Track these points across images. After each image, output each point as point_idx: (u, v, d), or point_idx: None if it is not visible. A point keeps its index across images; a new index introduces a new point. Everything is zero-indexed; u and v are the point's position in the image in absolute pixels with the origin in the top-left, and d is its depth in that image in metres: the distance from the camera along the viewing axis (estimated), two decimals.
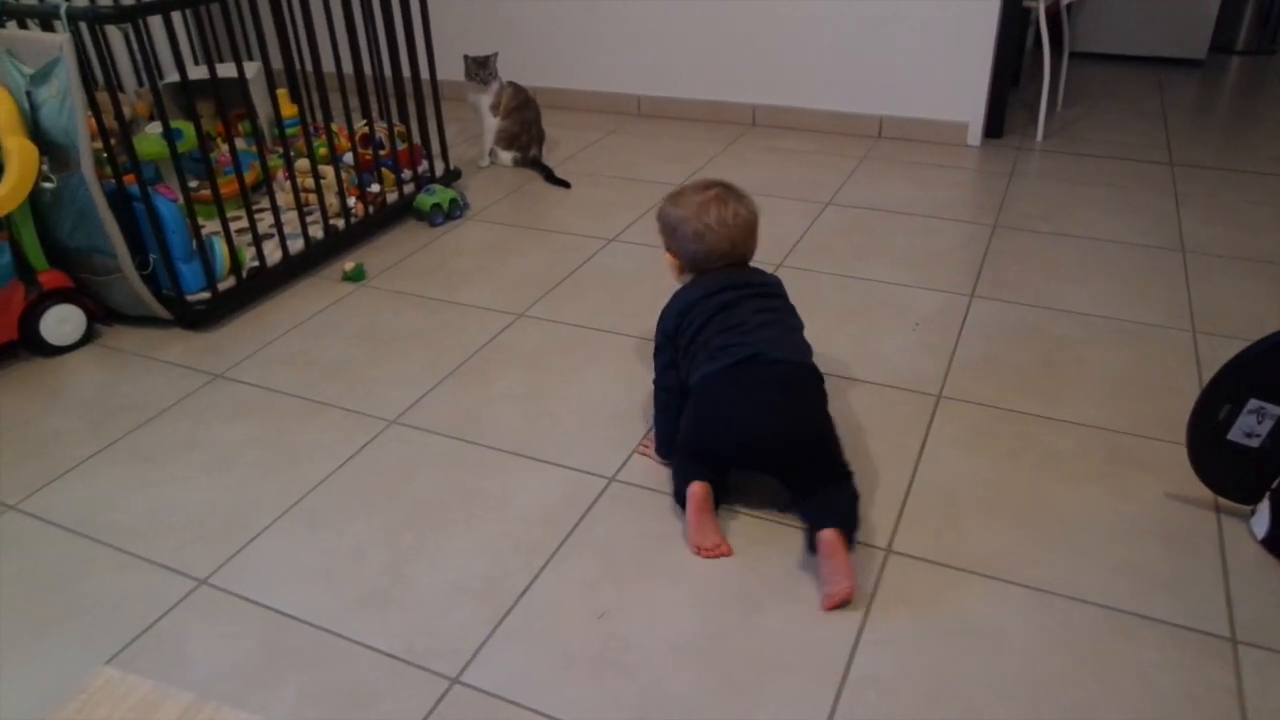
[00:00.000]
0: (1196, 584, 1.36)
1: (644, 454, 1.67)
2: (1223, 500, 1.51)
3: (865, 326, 2.06)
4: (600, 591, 1.38)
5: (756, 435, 1.45)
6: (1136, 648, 1.26)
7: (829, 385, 1.64)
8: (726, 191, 1.61)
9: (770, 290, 1.60)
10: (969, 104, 3.15)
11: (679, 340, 1.56)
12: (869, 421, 1.74)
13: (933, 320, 2.08)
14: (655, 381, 1.62)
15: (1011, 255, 2.38)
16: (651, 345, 1.63)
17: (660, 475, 1.61)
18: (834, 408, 1.76)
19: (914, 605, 1.34)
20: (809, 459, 1.46)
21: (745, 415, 1.45)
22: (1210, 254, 2.36)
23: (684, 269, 1.64)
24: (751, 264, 1.66)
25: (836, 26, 3.20)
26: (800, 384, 1.50)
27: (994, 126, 3.22)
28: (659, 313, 1.61)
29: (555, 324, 2.11)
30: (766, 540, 1.46)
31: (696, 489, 1.43)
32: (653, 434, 1.67)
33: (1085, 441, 1.67)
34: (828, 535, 1.36)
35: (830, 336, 2.02)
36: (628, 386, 1.87)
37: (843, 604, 1.34)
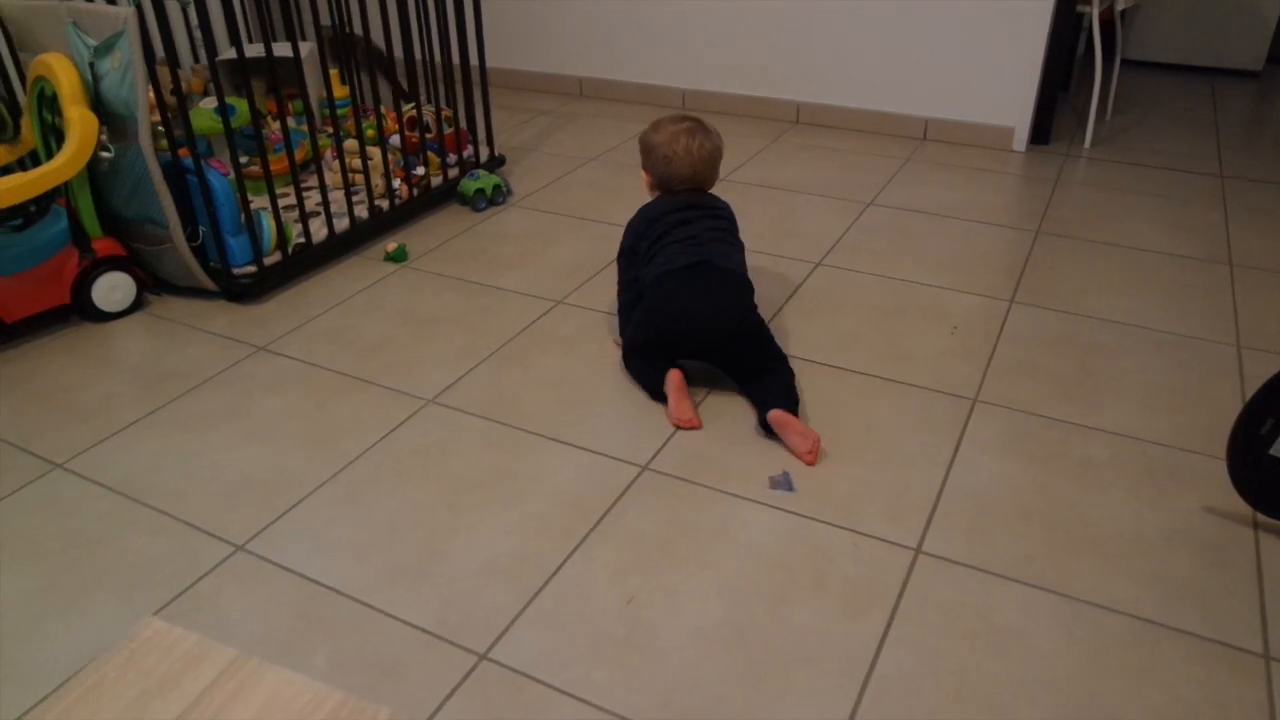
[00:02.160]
0: (1230, 599, 1.35)
1: (617, 345, 1.97)
2: (1261, 516, 1.50)
3: (903, 327, 2.05)
4: (629, 577, 1.39)
5: (698, 325, 1.75)
6: (1165, 659, 1.25)
7: (864, 384, 1.72)
8: (697, 125, 1.92)
9: (721, 214, 1.91)
10: (1016, 109, 3.12)
11: (639, 247, 1.88)
12: (903, 422, 1.74)
13: (971, 324, 2.07)
14: (619, 285, 1.98)
15: (1053, 262, 2.36)
16: None
17: (695, 466, 1.62)
18: (869, 407, 1.78)
19: (941, 605, 1.34)
20: (747, 348, 1.78)
21: (690, 308, 1.75)
22: (1258, 268, 2.32)
23: (654, 186, 1.97)
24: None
25: (884, 26, 3.18)
26: (736, 288, 1.80)
27: (1041, 132, 3.19)
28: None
29: (594, 312, 2.13)
30: (794, 536, 1.47)
31: (677, 374, 1.73)
32: (619, 335, 1.98)
33: (1121, 451, 1.66)
34: (776, 414, 1.66)
35: (867, 336, 2.02)
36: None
37: (817, 450, 1.63)
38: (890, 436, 1.70)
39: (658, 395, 1.78)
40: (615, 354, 1.96)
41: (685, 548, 1.45)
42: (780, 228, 2.55)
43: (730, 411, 1.77)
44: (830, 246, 2.44)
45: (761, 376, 1.76)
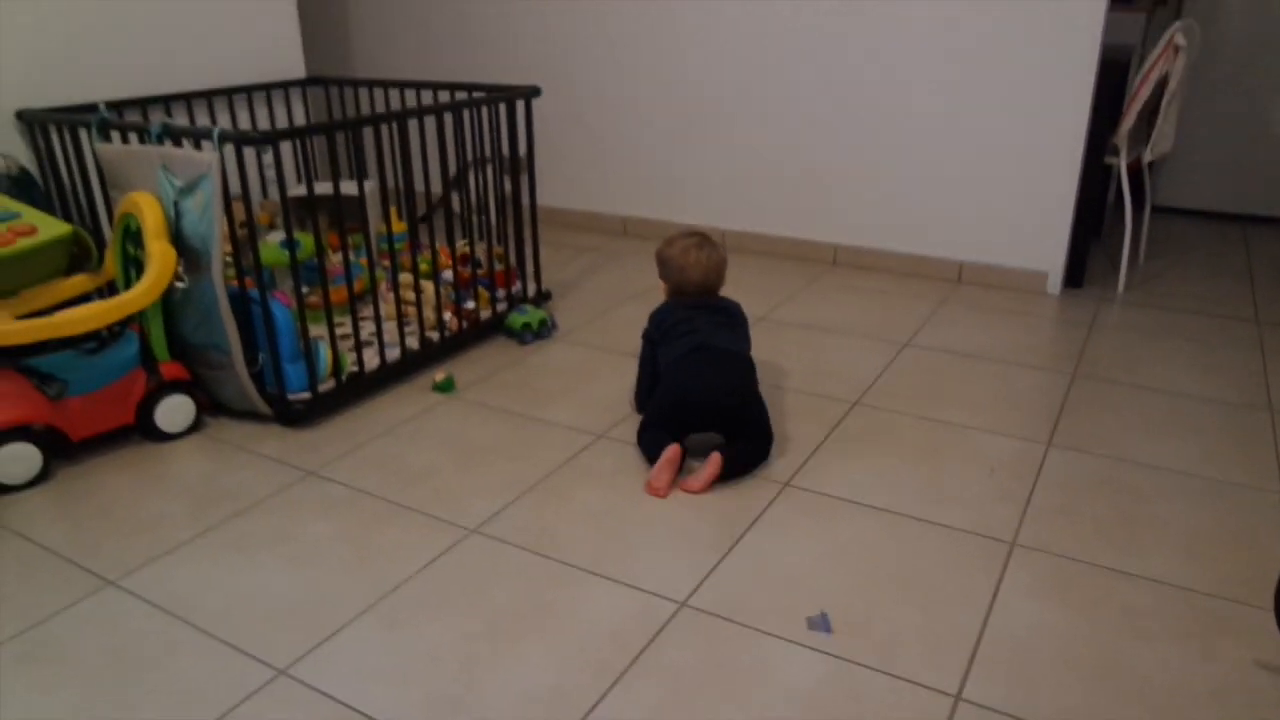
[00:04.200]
0: None
1: (632, 407, 2.35)
2: None
3: (940, 469, 2.07)
4: (666, 715, 1.38)
5: (707, 398, 2.04)
6: None
7: (902, 524, 1.73)
8: (704, 239, 2.27)
9: (726, 310, 2.21)
10: (1050, 253, 3.20)
11: (655, 337, 2.20)
12: (941, 564, 1.74)
13: (1008, 466, 2.08)
14: (639, 361, 2.29)
15: (1090, 405, 2.38)
16: None
17: (732, 604, 1.63)
18: (907, 548, 1.79)
19: None
20: (742, 418, 2.06)
21: (700, 384, 2.05)
22: None
23: (670, 292, 2.30)
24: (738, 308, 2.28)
25: (921, 171, 3.32)
26: (737, 365, 2.10)
27: (1075, 277, 3.26)
28: None
29: (634, 447, 2.17)
30: (832, 679, 1.46)
31: (675, 449, 1.96)
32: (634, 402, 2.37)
33: (1165, 600, 1.64)
34: (714, 455, 1.98)
35: (905, 476, 2.03)
36: (701, 512, 1.91)
37: (685, 490, 1.95)
38: (928, 579, 1.70)
39: (654, 461, 1.98)
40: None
41: (722, 688, 1.44)
42: (818, 367, 2.60)
43: (767, 548, 1.78)
44: (867, 386, 2.48)
45: (741, 440, 2.05)
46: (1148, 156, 3.25)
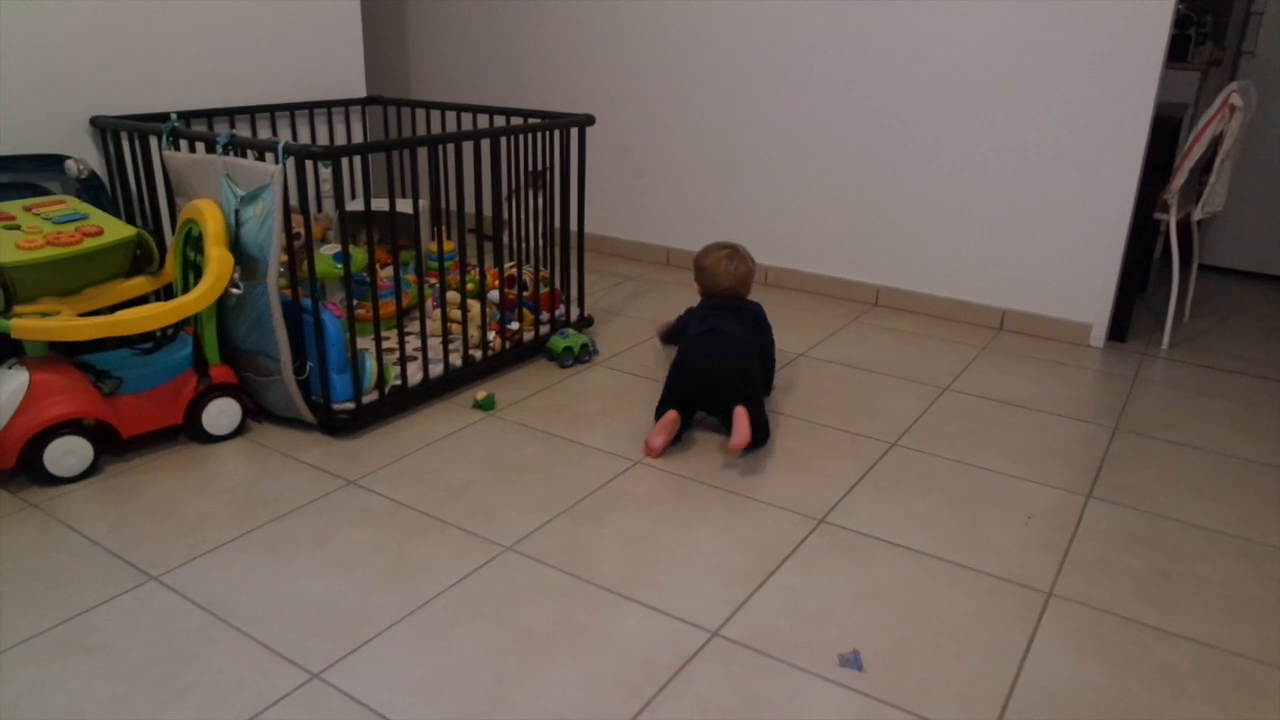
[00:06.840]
0: None
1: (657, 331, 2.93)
2: None
3: (977, 515, 2.06)
4: None
5: (711, 374, 2.29)
6: None
7: (936, 568, 1.72)
8: (735, 252, 2.62)
9: (747, 311, 2.53)
10: (1094, 306, 3.18)
11: (687, 331, 2.48)
12: (976, 610, 1.73)
13: (1047, 516, 2.07)
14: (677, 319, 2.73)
15: (1131, 460, 2.35)
16: None
17: (764, 636, 1.63)
18: (941, 592, 1.77)
19: None
20: (738, 394, 2.24)
21: (705, 362, 2.31)
22: None
23: (702, 294, 2.65)
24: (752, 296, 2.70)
25: (968, 218, 3.32)
26: (742, 351, 2.34)
27: (1119, 330, 3.23)
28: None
29: (669, 475, 2.18)
30: (862, 718, 1.45)
31: (673, 414, 2.25)
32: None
33: (1204, 661, 1.61)
34: (739, 409, 2.18)
35: (941, 520, 2.02)
36: (735, 543, 1.91)
37: (741, 448, 2.15)
38: (962, 623, 1.69)
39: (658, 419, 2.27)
40: (689, 517, 1.99)
41: None
42: (856, 405, 2.60)
43: (800, 583, 1.78)
44: (906, 428, 2.48)
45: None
46: (1197, 214, 3.23)
